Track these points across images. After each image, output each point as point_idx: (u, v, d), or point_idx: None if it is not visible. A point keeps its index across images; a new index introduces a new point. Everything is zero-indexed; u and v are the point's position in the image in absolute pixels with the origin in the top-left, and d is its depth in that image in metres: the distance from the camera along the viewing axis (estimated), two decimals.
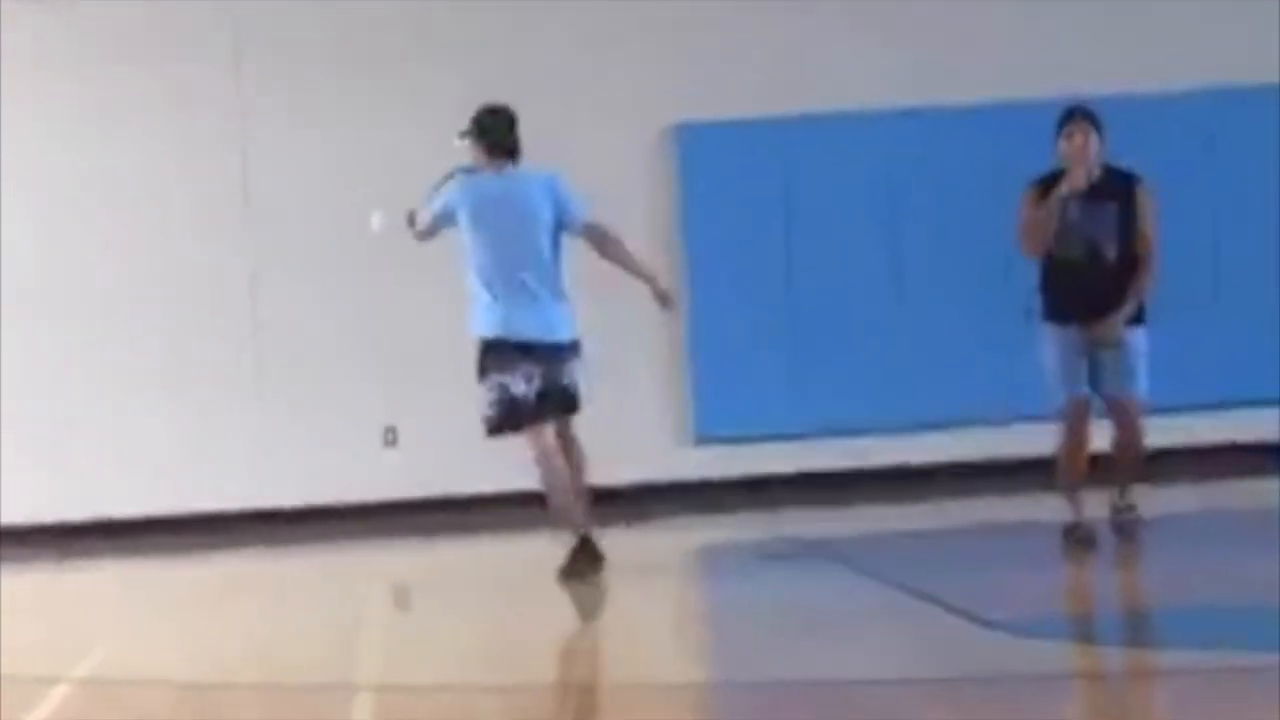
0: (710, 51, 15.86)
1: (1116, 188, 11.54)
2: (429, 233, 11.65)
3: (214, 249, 15.70)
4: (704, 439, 15.87)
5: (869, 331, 15.81)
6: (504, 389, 11.27)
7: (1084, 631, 9.58)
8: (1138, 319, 11.59)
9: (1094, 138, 11.52)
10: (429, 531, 14.91)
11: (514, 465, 12.01)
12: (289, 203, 15.74)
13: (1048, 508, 12.15)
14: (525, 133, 11.66)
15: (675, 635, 10.34)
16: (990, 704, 7.72)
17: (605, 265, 11.68)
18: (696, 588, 12.72)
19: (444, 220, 11.55)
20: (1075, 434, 11.63)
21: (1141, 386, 11.65)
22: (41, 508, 15.23)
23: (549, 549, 11.66)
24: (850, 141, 15.77)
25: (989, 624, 9.15)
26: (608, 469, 14.09)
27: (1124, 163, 11.61)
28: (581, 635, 10.58)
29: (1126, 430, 11.66)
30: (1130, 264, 11.49)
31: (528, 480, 11.73)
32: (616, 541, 11.90)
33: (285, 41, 15.81)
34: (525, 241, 11.36)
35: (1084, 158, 11.48)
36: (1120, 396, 11.62)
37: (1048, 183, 11.51)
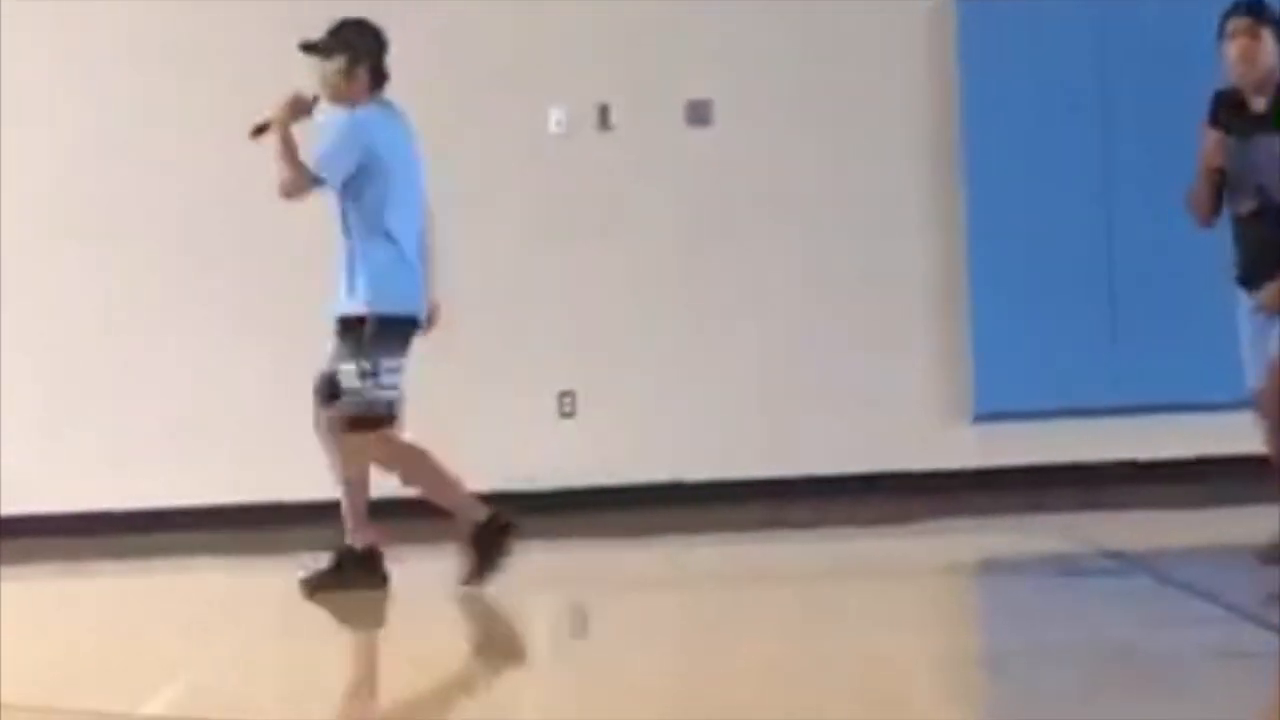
0: None
1: None
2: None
3: None
4: (986, 416, 13.66)
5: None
6: (398, 378, 9.99)
7: None
8: None
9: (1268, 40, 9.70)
10: None
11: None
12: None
13: None
14: None
15: (956, 681, 7.73)
16: None
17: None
18: (981, 618, 10.23)
19: (349, 167, 9.87)
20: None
21: None
22: (217, 491, 13.54)
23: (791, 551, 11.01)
24: None
25: None
26: (867, 454, 13.50)
27: None
28: (840, 679, 7.86)
29: None
30: None
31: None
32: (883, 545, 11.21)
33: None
34: (420, 195, 10.11)
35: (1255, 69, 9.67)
36: None
37: (1224, 102, 9.78)
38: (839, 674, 7.88)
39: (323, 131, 9.88)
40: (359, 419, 9.65)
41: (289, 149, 9.64)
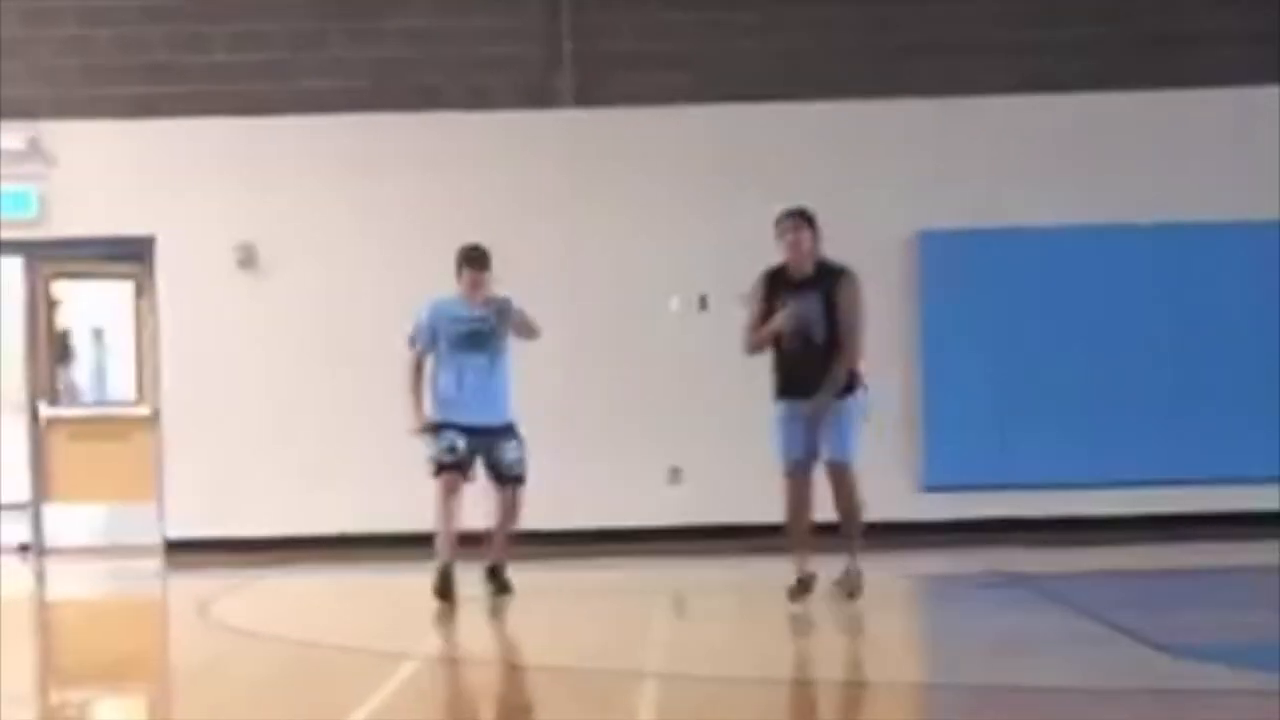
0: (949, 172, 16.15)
1: (825, 280, 11.13)
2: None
3: (545, 320, 16.03)
4: (933, 487, 16.06)
5: (1071, 403, 15.95)
6: None
7: (1244, 657, 9.13)
8: (848, 389, 11.13)
9: (807, 234, 11.15)
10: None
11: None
12: (612, 283, 16.20)
13: (1235, 556, 12.24)
14: None
15: (900, 645, 10.47)
16: (1153, 711, 7.92)
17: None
18: (921, 608, 12.76)
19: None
20: (796, 494, 11.18)
21: (851, 450, 11.18)
22: (384, 518, 15.31)
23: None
24: (1066, 251, 16.01)
25: (1159, 647, 9.22)
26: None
27: None
28: (822, 642, 10.60)
29: (841, 490, 11.14)
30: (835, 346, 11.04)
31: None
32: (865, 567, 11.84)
33: (610, 158, 16.31)
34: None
35: (800, 253, 11.09)
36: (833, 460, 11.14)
37: (774, 278, 11.16)
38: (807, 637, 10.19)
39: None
40: None
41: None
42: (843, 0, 16.29)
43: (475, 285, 11.91)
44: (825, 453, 11.17)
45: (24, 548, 16.04)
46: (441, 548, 11.71)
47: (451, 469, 11.78)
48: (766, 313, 11.15)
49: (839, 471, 11.19)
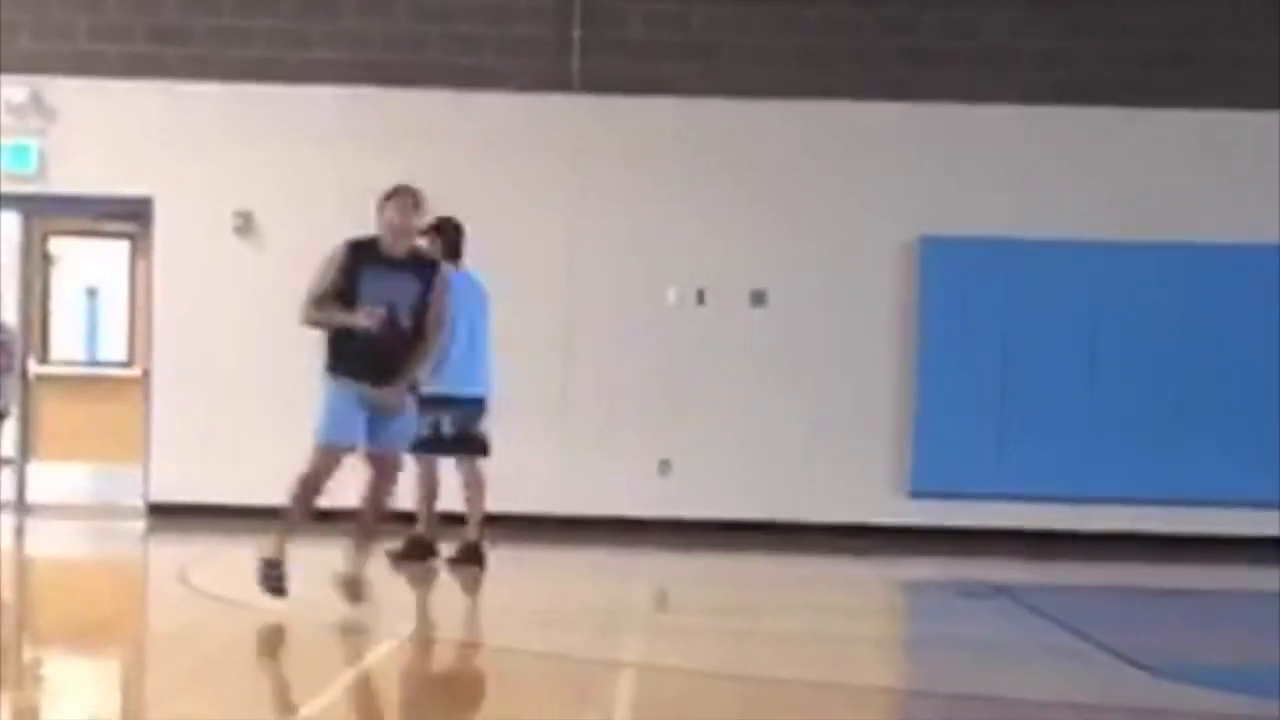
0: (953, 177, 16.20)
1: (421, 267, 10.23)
2: None
3: (543, 305, 16.11)
4: (919, 493, 16.10)
5: (1066, 417, 15.96)
6: None
7: (1225, 680, 9.21)
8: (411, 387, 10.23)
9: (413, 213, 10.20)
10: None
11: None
12: (611, 272, 16.21)
13: (1226, 579, 12.27)
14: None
15: (878, 650, 10.52)
16: None
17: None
18: (900, 614, 12.85)
19: None
20: (320, 478, 10.09)
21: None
22: None
23: (787, 569, 11.75)
24: (1061, 263, 16.02)
25: (1140, 665, 9.21)
26: (842, 511, 15.53)
27: None
28: (798, 642, 10.53)
29: (386, 482, 10.25)
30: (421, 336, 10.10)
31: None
32: (844, 571, 12.22)
33: (614, 147, 16.29)
34: None
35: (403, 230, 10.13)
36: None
37: (362, 249, 10.13)
38: (800, 639, 10.22)
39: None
40: None
41: None
42: (858, 1, 16.23)
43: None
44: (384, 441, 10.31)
45: None
46: None
47: None
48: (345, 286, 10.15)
49: (395, 464, 10.47)
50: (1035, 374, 15.95)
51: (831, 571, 13.96)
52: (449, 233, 12.16)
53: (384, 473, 10.26)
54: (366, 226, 14.42)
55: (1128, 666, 9.31)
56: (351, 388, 10.08)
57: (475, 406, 12.26)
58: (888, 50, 16.16)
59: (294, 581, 10.03)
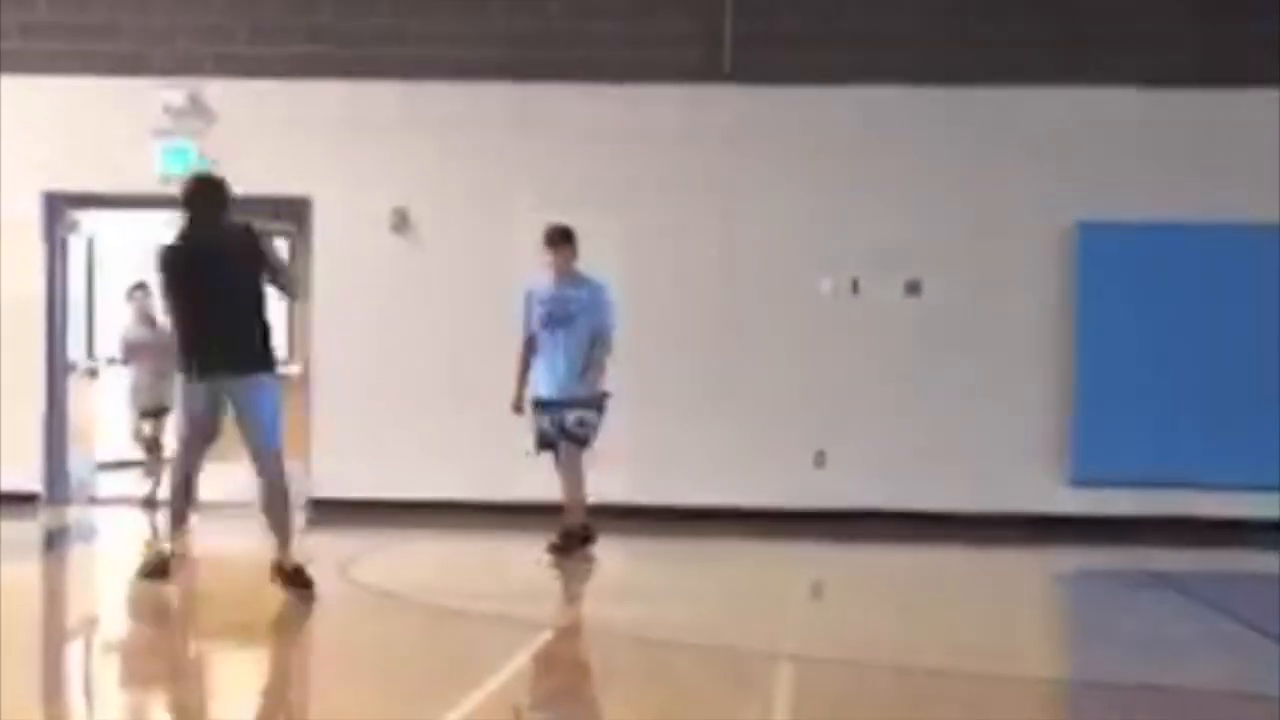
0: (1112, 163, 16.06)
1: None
2: None
3: (697, 297, 16.24)
4: (1080, 481, 15.96)
5: (1228, 402, 15.78)
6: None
7: None
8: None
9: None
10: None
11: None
12: (764, 263, 16.21)
13: None
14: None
15: (1042, 641, 10.49)
16: None
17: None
18: (1063, 604, 12.75)
19: None
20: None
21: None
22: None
23: (946, 559, 11.64)
24: (1222, 247, 15.83)
25: None
26: (1002, 501, 15.57)
27: None
28: (962, 634, 10.43)
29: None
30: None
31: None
32: (1005, 561, 12.19)
33: (767, 138, 16.28)
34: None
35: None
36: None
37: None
38: (958, 622, 10.32)
39: None
40: None
41: None
42: None
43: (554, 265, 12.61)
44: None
45: (149, 502, 15.96)
46: None
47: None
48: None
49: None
50: (1196, 360, 15.77)
51: (992, 561, 13.93)
52: (574, 242, 12.80)
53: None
54: (519, 223, 14.59)
55: None
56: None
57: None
58: (1047, 34, 16.01)
59: (456, 575, 10.06)
